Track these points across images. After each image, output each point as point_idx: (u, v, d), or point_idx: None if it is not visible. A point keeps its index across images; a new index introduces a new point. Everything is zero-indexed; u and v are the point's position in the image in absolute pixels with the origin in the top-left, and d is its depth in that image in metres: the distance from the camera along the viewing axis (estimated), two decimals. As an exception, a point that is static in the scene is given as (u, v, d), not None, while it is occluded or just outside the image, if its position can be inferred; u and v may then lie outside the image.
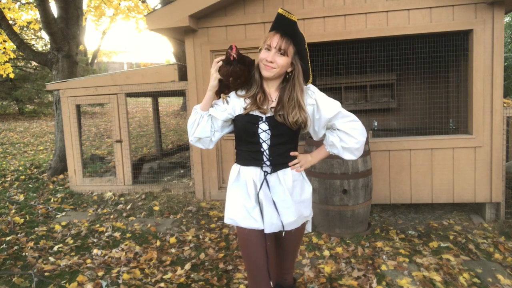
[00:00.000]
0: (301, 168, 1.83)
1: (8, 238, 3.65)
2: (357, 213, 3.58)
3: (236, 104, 1.80)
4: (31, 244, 3.50)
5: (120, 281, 2.79)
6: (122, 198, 4.82)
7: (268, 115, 1.75)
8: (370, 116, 5.41)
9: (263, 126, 1.75)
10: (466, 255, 3.16)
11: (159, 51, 54.62)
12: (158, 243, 3.51)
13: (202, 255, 3.22)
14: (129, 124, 5.09)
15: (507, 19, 10.43)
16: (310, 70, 1.82)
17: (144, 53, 49.10)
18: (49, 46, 9.22)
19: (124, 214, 4.30)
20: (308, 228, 1.99)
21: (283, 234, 1.82)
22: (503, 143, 3.85)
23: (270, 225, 1.76)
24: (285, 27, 1.69)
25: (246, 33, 4.23)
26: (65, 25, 6.09)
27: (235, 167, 1.85)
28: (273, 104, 1.77)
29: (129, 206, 4.53)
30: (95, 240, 3.62)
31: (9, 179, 5.98)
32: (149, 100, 9.82)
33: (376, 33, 3.97)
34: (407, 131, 5.14)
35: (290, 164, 1.80)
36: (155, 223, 4.01)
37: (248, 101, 1.78)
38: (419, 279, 2.75)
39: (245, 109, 1.76)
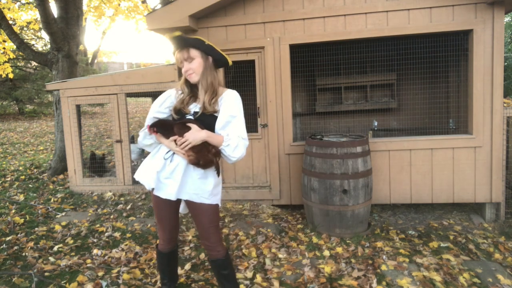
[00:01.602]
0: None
1: (8, 238, 3.65)
2: (357, 213, 3.58)
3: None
4: (31, 244, 3.50)
5: (120, 281, 2.79)
6: (122, 198, 4.82)
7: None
8: (370, 116, 5.41)
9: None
10: (466, 255, 3.16)
11: (159, 51, 54.54)
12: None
13: (202, 255, 3.22)
14: (129, 124, 5.09)
15: (507, 19, 10.43)
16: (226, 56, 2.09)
17: (144, 53, 49.03)
18: (49, 46, 9.23)
19: (124, 214, 4.30)
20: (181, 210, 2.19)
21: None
22: (503, 143, 3.85)
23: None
24: (177, 43, 1.99)
25: (246, 33, 4.23)
26: (65, 25, 6.09)
27: None
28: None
29: (129, 206, 4.53)
30: (95, 240, 3.62)
31: (9, 179, 5.98)
32: (149, 100, 9.82)
33: (376, 33, 3.97)
34: (407, 131, 5.14)
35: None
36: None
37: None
38: (419, 279, 2.75)
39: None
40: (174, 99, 2.09)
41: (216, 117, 2.00)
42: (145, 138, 2.11)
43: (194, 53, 1.98)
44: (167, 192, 2.01)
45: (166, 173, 2.01)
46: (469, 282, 2.72)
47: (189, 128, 1.93)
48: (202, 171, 2.01)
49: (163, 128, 2.02)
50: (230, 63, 2.12)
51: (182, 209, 2.19)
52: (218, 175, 2.09)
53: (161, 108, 2.10)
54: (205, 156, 1.95)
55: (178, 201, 2.10)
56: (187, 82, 2.06)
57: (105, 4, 9.29)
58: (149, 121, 2.08)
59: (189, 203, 2.07)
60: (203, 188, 2.02)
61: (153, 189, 2.06)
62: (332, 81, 5.24)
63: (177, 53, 2.01)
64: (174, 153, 2.01)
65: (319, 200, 3.62)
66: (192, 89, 2.07)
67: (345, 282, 2.73)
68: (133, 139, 5.87)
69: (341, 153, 3.52)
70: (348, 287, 2.69)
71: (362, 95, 5.41)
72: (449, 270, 2.86)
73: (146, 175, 2.06)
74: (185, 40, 1.99)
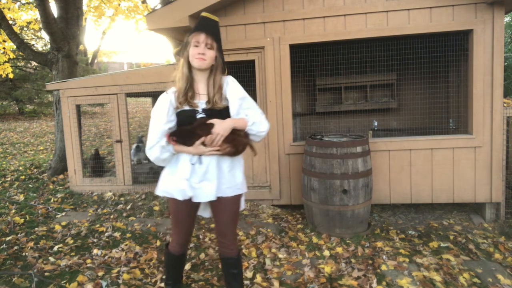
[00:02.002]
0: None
1: (8, 238, 3.65)
2: (357, 213, 3.58)
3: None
4: (31, 244, 3.50)
5: (120, 281, 2.78)
6: (122, 198, 4.82)
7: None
8: (370, 116, 5.42)
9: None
10: (466, 255, 3.16)
11: (159, 51, 54.56)
12: (158, 243, 3.51)
13: (202, 255, 3.22)
14: (129, 124, 5.09)
15: (507, 19, 10.42)
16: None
17: (144, 53, 49.09)
18: (49, 46, 9.23)
19: (124, 214, 4.30)
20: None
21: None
22: (503, 143, 3.85)
23: None
24: (209, 27, 1.97)
25: (246, 33, 4.23)
26: (65, 25, 6.09)
27: None
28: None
29: (129, 206, 4.53)
30: (95, 240, 3.62)
31: (9, 179, 5.98)
32: (149, 100, 9.82)
33: (376, 33, 3.97)
34: (407, 131, 5.14)
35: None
36: (155, 223, 4.01)
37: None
38: (419, 279, 2.75)
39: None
40: (174, 102, 2.05)
41: (226, 106, 2.00)
42: (162, 153, 1.99)
43: (215, 45, 1.99)
44: (206, 195, 1.97)
45: (198, 177, 1.97)
46: (469, 282, 2.72)
47: (212, 124, 1.91)
48: (230, 163, 2.00)
49: (183, 135, 1.95)
50: (226, 73, 2.12)
51: (207, 213, 2.16)
52: (255, 154, 2.13)
53: (169, 116, 2.02)
54: (240, 141, 1.97)
55: (198, 204, 2.08)
56: (186, 72, 2.02)
57: (105, 4, 9.29)
58: (162, 134, 1.97)
59: (218, 201, 2.03)
60: (234, 180, 2.03)
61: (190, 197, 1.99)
62: (332, 81, 5.24)
63: (201, 33, 1.95)
64: (199, 156, 1.97)
65: (319, 200, 3.62)
66: (190, 84, 2.03)
67: (345, 282, 2.73)
68: (141, 141, 5.88)
69: (341, 153, 3.52)
70: (348, 287, 2.69)
71: (362, 95, 5.41)
72: (449, 270, 2.87)
73: (175, 186, 1.99)
74: (218, 31, 2.01)
